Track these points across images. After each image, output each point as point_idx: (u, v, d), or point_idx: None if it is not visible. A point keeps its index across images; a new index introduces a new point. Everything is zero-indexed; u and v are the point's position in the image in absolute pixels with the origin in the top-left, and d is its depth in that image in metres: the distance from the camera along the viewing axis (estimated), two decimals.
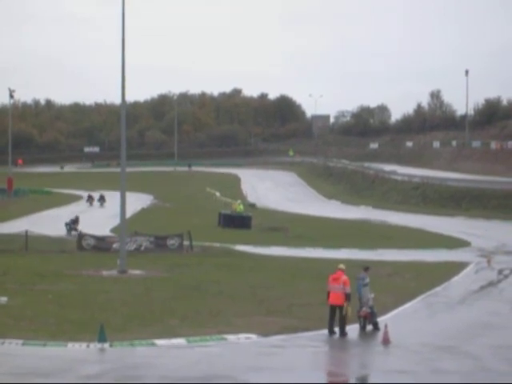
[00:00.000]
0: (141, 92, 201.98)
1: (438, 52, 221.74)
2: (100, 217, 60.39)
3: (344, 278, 22.37)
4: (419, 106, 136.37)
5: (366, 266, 24.22)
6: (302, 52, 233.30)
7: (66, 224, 49.26)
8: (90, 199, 73.89)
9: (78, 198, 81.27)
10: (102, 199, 73.42)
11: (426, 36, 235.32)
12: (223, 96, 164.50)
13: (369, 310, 22.89)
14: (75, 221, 49.55)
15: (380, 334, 21.75)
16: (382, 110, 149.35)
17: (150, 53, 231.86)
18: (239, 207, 61.83)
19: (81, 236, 42.07)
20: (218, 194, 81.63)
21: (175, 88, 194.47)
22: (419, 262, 40.39)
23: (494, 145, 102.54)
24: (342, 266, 22.95)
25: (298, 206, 76.89)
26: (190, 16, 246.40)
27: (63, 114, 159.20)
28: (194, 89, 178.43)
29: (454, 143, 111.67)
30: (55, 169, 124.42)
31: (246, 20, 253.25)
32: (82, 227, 44.92)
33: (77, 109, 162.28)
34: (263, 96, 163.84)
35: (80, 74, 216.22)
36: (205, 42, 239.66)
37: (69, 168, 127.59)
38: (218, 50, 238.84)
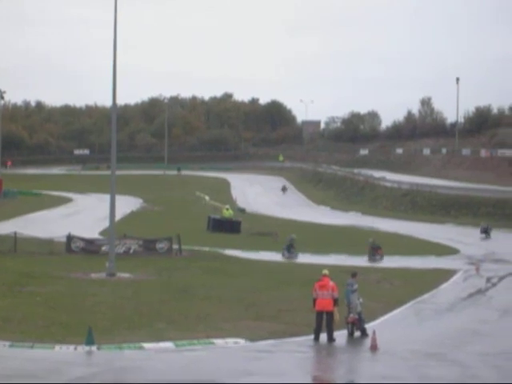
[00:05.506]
0: (132, 95, 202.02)
1: (430, 60, 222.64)
2: (89, 219, 60.24)
3: (331, 284, 22.41)
4: (410, 113, 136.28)
5: (354, 272, 24.27)
6: (293, 57, 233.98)
7: None
8: None
9: (67, 200, 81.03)
10: None
11: (417, 44, 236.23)
12: (214, 100, 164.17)
13: (356, 316, 22.92)
14: None
15: (368, 341, 21.77)
16: (373, 116, 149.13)
17: (141, 56, 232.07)
18: (227, 212, 61.42)
19: (69, 238, 41.94)
20: (207, 198, 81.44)
21: (166, 91, 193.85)
22: (408, 268, 40.42)
23: (483, 153, 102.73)
24: (326, 271, 22.96)
25: (287, 211, 76.83)
26: (182, 20, 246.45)
27: (54, 116, 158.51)
28: (185, 93, 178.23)
29: (443, 151, 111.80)
30: (45, 171, 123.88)
31: (238, 25, 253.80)
32: (71, 230, 44.62)
33: (67, 111, 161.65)
34: (254, 101, 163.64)
35: (71, 76, 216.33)
36: (196, 46, 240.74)
37: (59, 170, 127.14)
38: (209, 54, 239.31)
